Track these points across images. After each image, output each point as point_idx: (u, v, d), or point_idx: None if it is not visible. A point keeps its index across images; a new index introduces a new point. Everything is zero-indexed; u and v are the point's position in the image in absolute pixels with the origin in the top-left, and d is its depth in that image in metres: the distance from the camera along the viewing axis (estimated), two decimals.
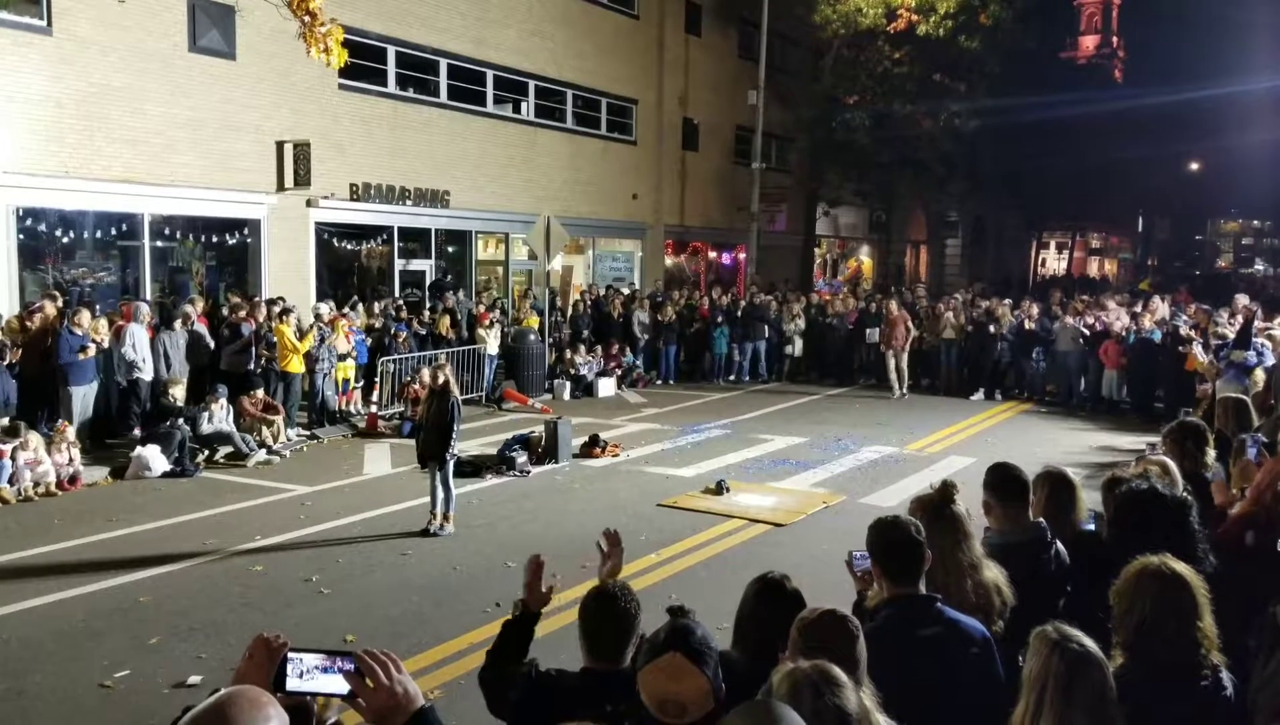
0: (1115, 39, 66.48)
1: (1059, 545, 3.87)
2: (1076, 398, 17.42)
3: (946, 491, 3.53)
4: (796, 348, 20.71)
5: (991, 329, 18.33)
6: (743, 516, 9.79)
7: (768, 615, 3.04)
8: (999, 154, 32.64)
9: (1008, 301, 19.50)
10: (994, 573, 3.45)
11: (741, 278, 26.93)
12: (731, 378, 20.13)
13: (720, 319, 20.13)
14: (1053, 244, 58.17)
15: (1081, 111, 33.78)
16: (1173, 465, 4.72)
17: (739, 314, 20.42)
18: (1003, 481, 3.96)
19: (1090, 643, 2.60)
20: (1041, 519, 3.96)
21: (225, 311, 14.27)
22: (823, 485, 11.29)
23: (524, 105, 21.67)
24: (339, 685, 1.88)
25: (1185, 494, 4.14)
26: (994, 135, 29.95)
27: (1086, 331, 17.25)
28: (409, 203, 18.56)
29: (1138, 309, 18.06)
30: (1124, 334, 16.80)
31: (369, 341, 15.38)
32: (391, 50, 18.22)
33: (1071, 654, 2.56)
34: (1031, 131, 31.78)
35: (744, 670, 2.72)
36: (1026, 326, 18.13)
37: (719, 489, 10.62)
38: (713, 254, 29.02)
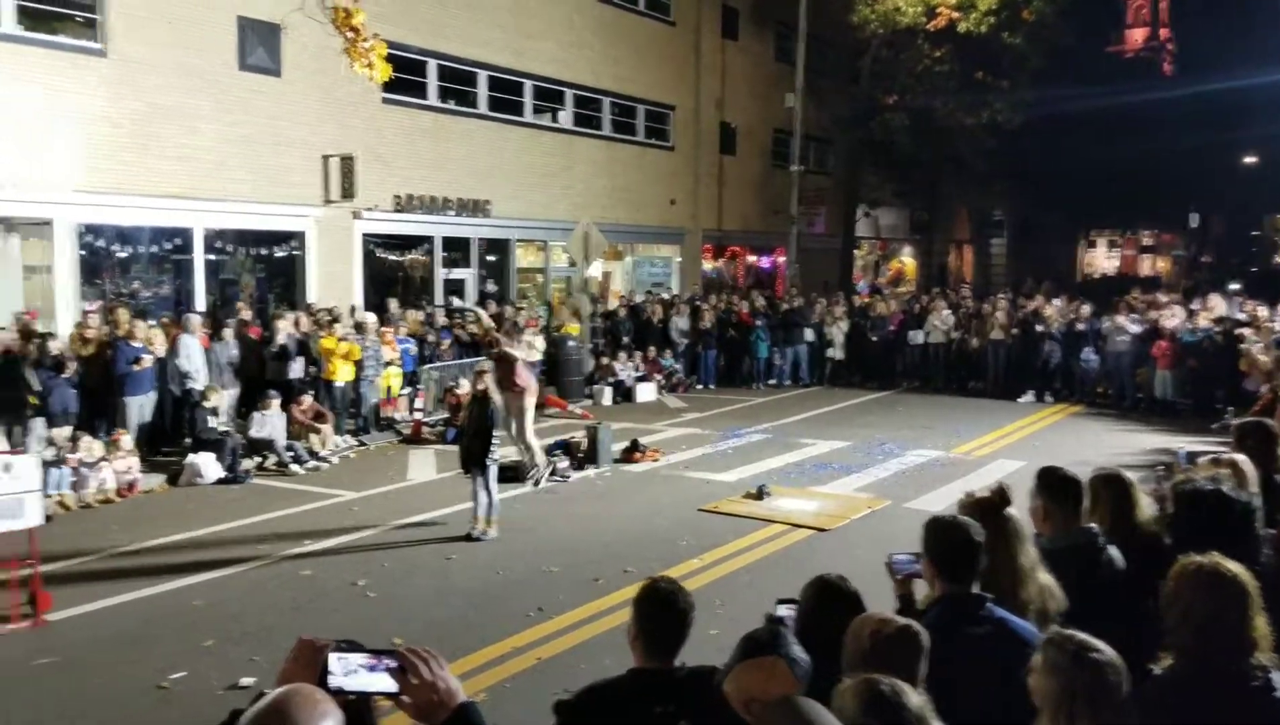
0: (1163, 31, 65.20)
1: (1112, 550, 3.79)
2: (1130, 399, 17.12)
3: (1005, 493, 3.49)
4: (838, 351, 20.61)
5: (1039, 328, 18.08)
6: (785, 521, 9.78)
7: (827, 616, 3.07)
8: (1044, 151, 32.22)
9: (1056, 301, 19.23)
10: (1048, 577, 3.42)
11: (781, 281, 26.88)
12: (772, 382, 20.09)
13: (760, 323, 20.09)
14: (1102, 242, 57.13)
15: (1129, 106, 33.21)
16: (1247, 465, 4.53)
17: (779, 318, 20.36)
18: (1056, 485, 3.88)
19: (1106, 646, 2.53)
20: (1093, 524, 3.88)
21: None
22: (866, 490, 11.23)
23: (562, 114, 21.88)
24: (384, 683, 1.94)
25: (1253, 497, 4.01)
26: (1038, 132, 29.57)
27: (1137, 329, 16.98)
28: (451, 212, 18.83)
29: (1195, 306, 17.71)
30: (1178, 332, 16.49)
31: (413, 349, 15.60)
32: (432, 63, 18.50)
33: (1094, 663, 2.48)
34: (1077, 127, 31.36)
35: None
36: (1078, 327, 17.86)
37: (760, 494, 10.61)
38: (751, 258, 29.00)
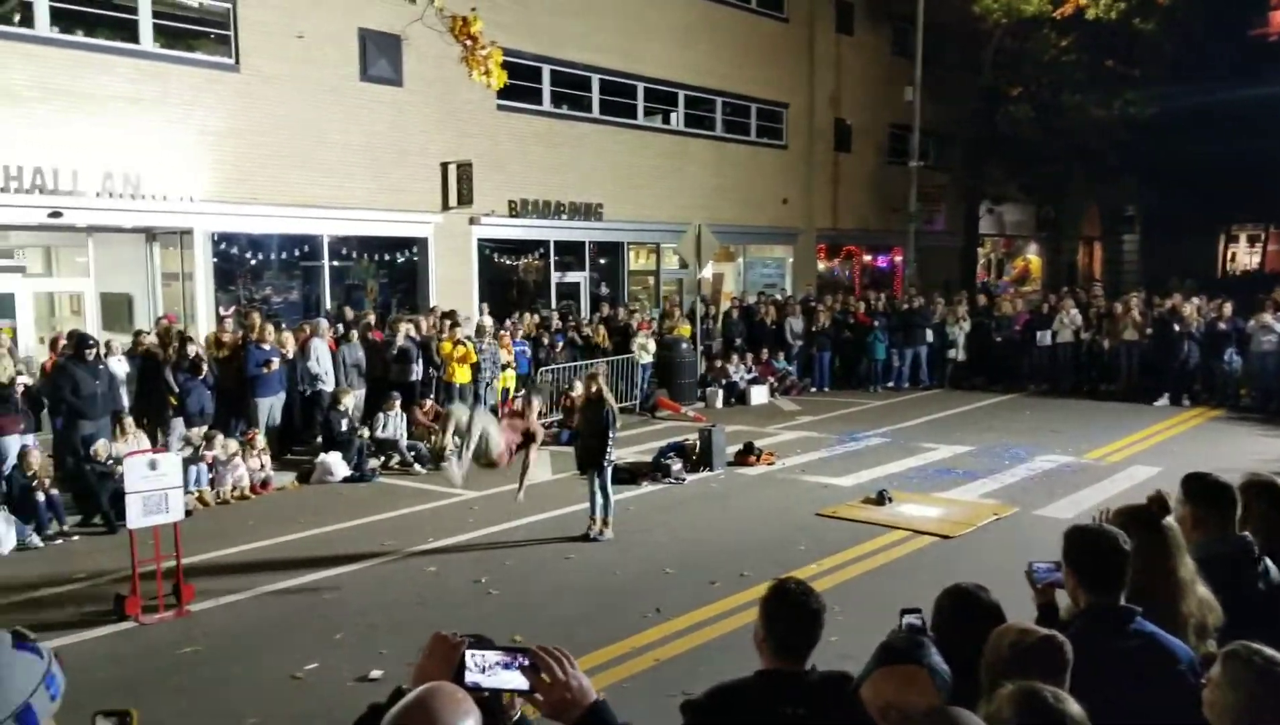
0: None
1: (1269, 562, 3.57)
2: (1277, 402, 16.07)
3: (1164, 502, 3.34)
4: (960, 352, 19.98)
5: (1176, 328, 17.14)
6: (907, 527, 9.52)
7: (964, 626, 2.95)
8: (1180, 142, 30.56)
9: (1195, 299, 18.22)
10: (1206, 589, 3.24)
11: (899, 280, 26.27)
12: (890, 384, 19.62)
13: (877, 323, 19.64)
14: (1243, 237, 53.87)
15: (1274, 92, 31.18)
16: None
17: (898, 318, 19.87)
18: (1206, 491, 3.66)
19: None
20: (1247, 533, 3.65)
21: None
22: (992, 496, 10.85)
23: (673, 115, 21.89)
24: (518, 681, 1.95)
25: None
26: (1174, 122, 28.06)
27: None
28: (564, 217, 19.06)
29: None
30: None
31: (528, 352, 15.83)
32: (546, 69, 18.76)
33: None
34: (1217, 116, 29.56)
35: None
36: (1219, 327, 16.87)
37: (880, 499, 10.36)
38: (867, 257, 28.45)
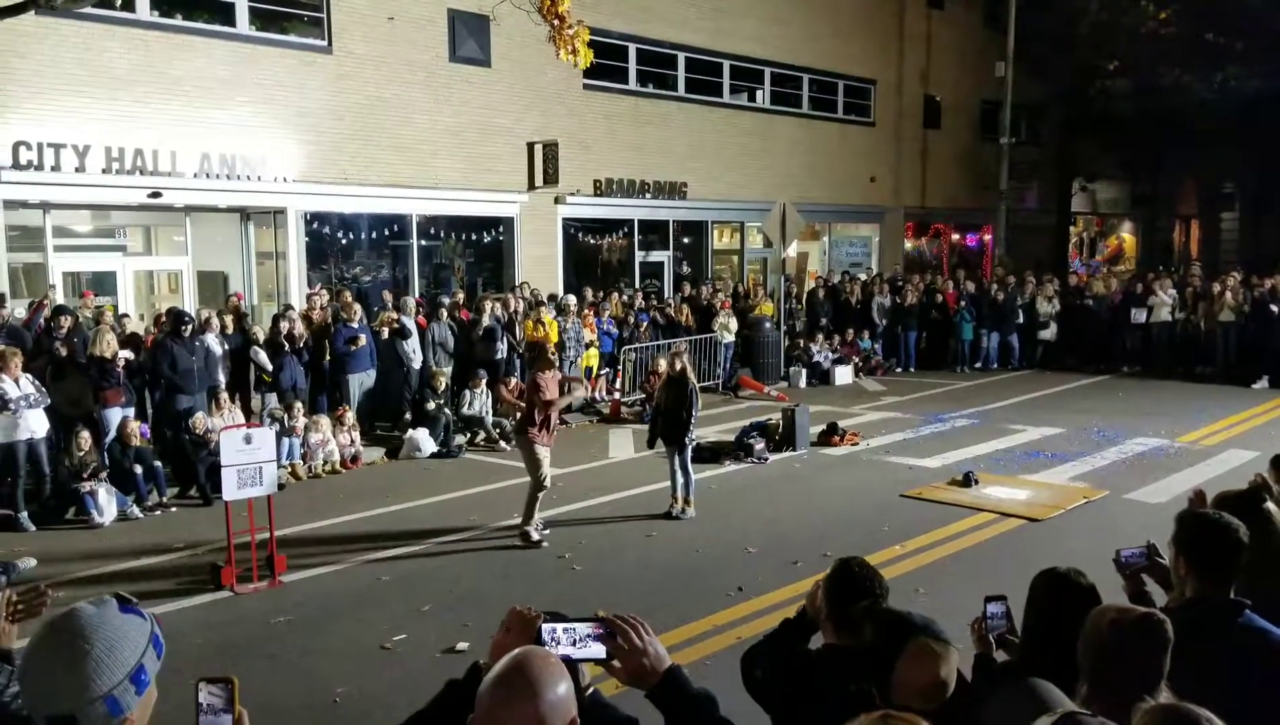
0: None
1: None
2: None
3: (1268, 485, 3.24)
4: (1050, 333, 19.42)
5: (1275, 309, 16.41)
6: (994, 510, 9.33)
7: (1060, 612, 2.90)
8: None
9: None
10: None
11: (988, 259, 25.61)
12: (978, 365, 19.19)
13: (965, 303, 19.18)
14: None
15: None
16: None
17: (987, 298, 19.38)
18: None
19: None
20: None
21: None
22: (1082, 479, 10.56)
23: (759, 93, 21.66)
24: (596, 651, 1.99)
25: None
26: (1277, 96, 26.64)
27: None
28: (648, 196, 19.05)
29: None
30: None
31: (612, 330, 15.88)
32: (632, 48, 18.73)
33: None
34: None
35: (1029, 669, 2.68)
36: None
37: (967, 481, 10.17)
38: (956, 235, 27.79)
